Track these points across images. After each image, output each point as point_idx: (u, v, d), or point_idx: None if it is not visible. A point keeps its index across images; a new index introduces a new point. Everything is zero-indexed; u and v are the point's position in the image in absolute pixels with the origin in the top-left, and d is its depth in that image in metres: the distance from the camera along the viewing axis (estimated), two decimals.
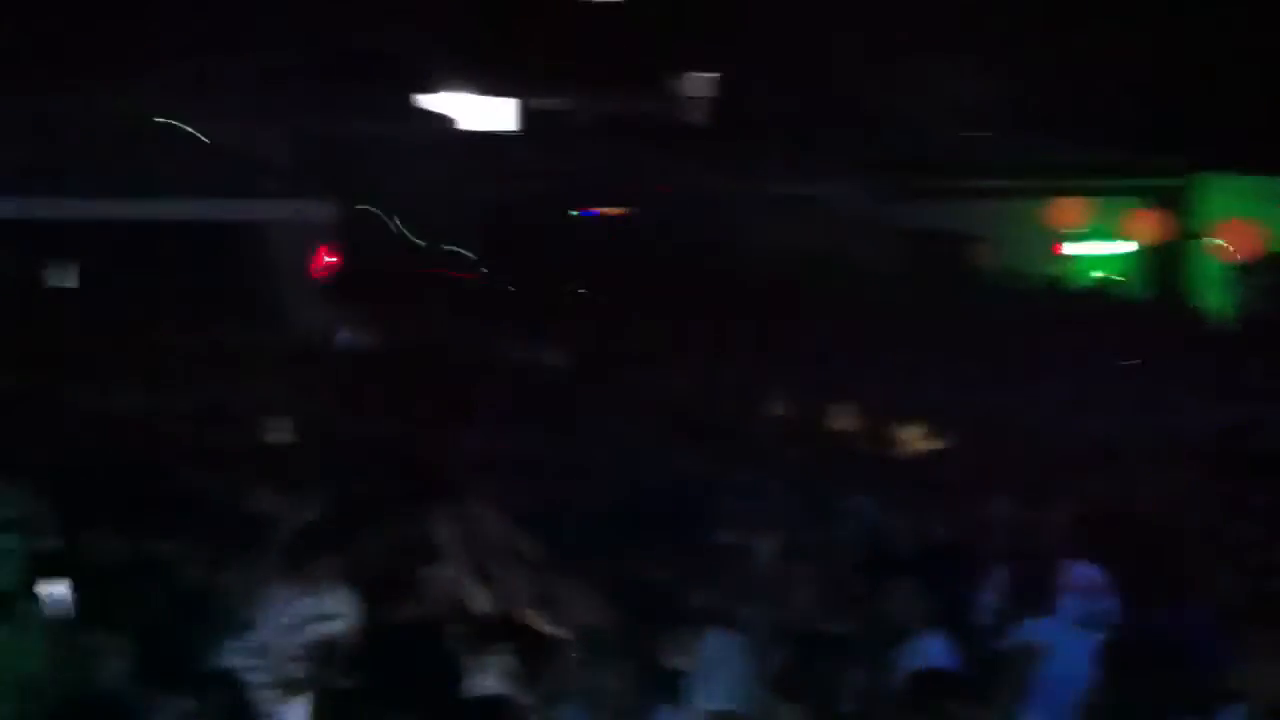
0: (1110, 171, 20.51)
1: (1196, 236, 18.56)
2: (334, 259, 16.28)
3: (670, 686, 5.83)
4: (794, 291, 16.68)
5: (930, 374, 12.21)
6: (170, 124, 17.51)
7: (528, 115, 24.97)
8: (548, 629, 6.18)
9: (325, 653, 5.88)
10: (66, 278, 16.27)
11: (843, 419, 9.80)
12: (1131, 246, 19.73)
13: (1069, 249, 20.14)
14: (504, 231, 18.48)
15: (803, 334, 14.51)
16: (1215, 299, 17.68)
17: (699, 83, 28.80)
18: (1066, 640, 6.39)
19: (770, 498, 8.28)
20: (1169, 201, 19.74)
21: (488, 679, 5.48)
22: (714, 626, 6.14)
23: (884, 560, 6.99)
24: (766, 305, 16.20)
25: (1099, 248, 20.24)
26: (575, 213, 19.40)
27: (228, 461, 8.42)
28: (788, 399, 10.66)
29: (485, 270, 17.95)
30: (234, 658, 5.74)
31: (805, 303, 16.01)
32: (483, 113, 25.70)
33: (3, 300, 14.57)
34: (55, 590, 5.97)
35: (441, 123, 22.18)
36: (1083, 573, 7.14)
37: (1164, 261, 20.38)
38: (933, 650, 6.15)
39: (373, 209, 18.28)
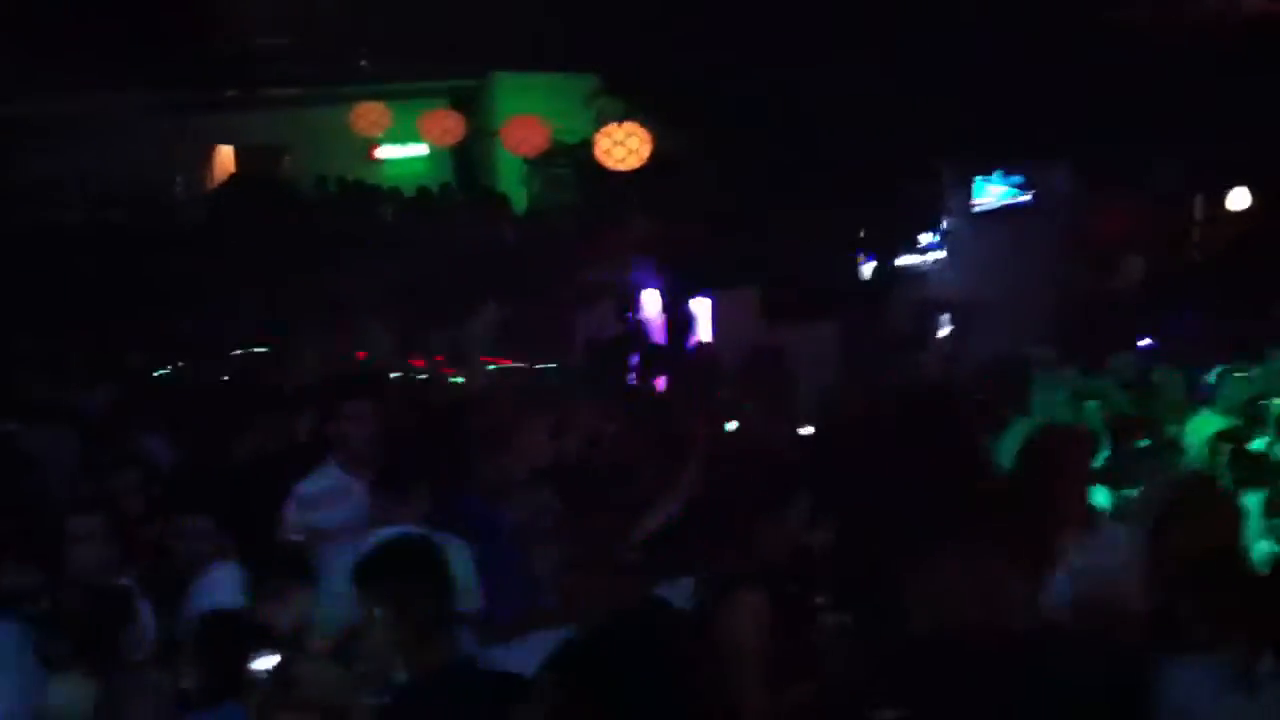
0: (409, 74, 20.77)
1: (493, 135, 19.24)
2: None
3: None
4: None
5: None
6: None
7: None
8: None
9: None
10: None
11: None
12: (430, 148, 20.20)
13: (378, 154, 20.42)
14: None
15: None
16: (515, 193, 18.56)
17: None
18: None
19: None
20: (466, 101, 20.35)
21: None
22: None
23: (176, 498, 6.66)
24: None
25: (403, 151, 20.63)
26: None
27: None
28: None
29: None
30: None
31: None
32: None
33: None
34: None
35: None
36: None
37: (467, 161, 21.09)
38: (222, 587, 5.92)
39: None
